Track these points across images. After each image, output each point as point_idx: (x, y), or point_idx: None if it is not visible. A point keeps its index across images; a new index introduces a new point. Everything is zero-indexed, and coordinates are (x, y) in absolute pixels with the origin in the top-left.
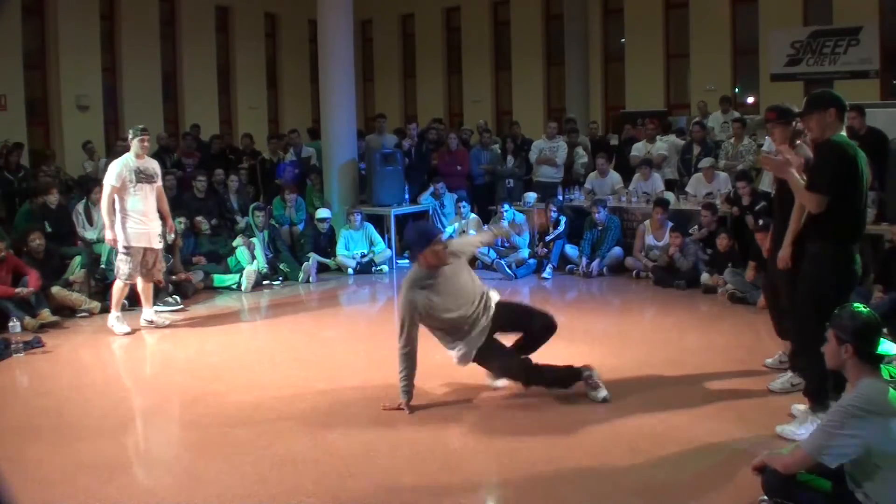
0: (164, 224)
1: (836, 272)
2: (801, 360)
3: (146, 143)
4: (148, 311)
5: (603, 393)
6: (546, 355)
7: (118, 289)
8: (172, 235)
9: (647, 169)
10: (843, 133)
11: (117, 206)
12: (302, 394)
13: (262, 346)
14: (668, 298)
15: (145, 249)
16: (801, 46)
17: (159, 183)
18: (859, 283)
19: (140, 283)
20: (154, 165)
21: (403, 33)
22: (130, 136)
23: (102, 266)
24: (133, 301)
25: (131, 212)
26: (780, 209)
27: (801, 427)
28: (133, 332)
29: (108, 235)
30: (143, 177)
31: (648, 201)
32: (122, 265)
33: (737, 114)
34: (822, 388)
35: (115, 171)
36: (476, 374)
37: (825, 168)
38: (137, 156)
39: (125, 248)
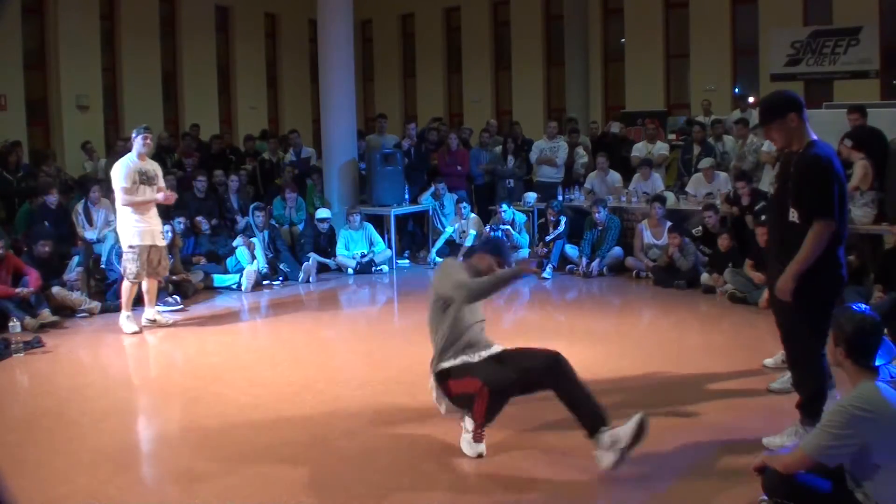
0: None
1: (823, 282)
2: (794, 374)
3: (149, 142)
4: (150, 311)
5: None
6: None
7: (126, 289)
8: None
9: (647, 169)
10: (813, 133)
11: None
12: (302, 394)
13: (262, 346)
14: (668, 298)
15: (150, 247)
16: (801, 46)
17: (161, 184)
18: (859, 283)
19: (145, 283)
20: (155, 167)
21: (403, 33)
22: (134, 135)
23: (102, 266)
24: (135, 300)
25: (134, 211)
26: (777, 211)
27: (787, 440)
28: (140, 330)
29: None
30: (145, 179)
31: (648, 201)
32: (130, 264)
33: (741, 114)
34: (814, 403)
35: (123, 173)
36: None
37: (825, 190)
38: (140, 156)
39: (131, 246)
